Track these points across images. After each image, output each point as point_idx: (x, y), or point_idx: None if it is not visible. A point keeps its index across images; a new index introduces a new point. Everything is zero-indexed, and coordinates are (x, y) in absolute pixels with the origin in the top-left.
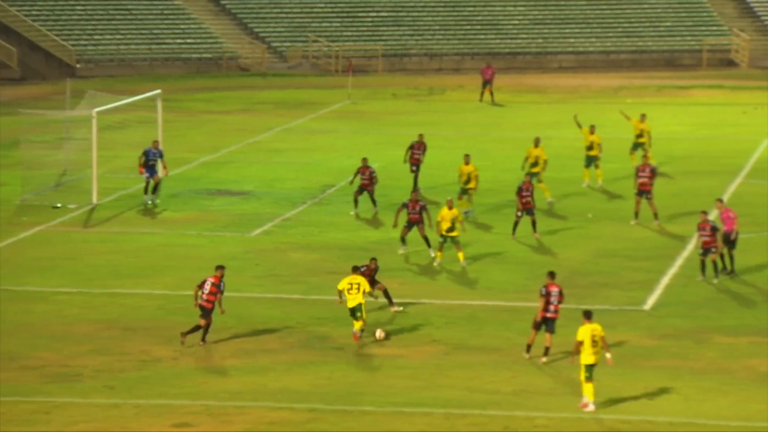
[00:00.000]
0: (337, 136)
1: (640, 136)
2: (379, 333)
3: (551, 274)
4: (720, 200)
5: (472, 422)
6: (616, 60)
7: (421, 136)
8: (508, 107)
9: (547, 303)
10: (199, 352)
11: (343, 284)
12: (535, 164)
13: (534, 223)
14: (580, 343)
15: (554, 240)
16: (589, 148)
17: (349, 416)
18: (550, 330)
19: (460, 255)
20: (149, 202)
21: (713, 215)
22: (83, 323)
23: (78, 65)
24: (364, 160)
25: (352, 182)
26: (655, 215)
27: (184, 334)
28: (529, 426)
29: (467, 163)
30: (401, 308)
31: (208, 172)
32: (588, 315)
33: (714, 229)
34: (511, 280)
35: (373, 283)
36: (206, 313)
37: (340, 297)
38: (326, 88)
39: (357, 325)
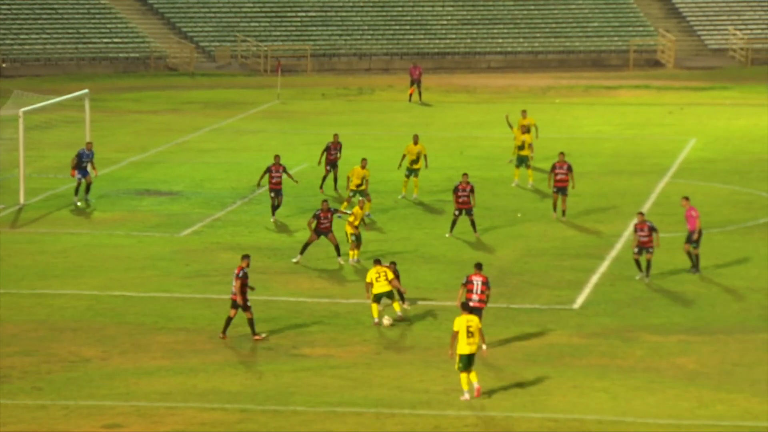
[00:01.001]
0: (266, 136)
1: (521, 147)
2: (387, 320)
3: (478, 265)
4: (686, 198)
5: (401, 421)
6: (544, 60)
7: (336, 136)
8: (438, 107)
9: (469, 292)
10: (128, 352)
11: (371, 275)
12: (415, 161)
13: (473, 223)
14: (456, 333)
15: (484, 239)
16: (521, 147)
17: (281, 416)
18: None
19: (355, 253)
20: (79, 203)
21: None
22: (10, 324)
23: (3, 65)
24: (276, 157)
25: (259, 184)
26: (564, 212)
27: (223, 332)
28: (460, 425)
29: (416, 143)
30: (408, 307)
31: (136, 172)
32: (465, 307)
33: (651, 229)
34: (441, 279)
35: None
36: (234, 305)
37: (368, 290)
38: (255, 88)
39: (396, 306)
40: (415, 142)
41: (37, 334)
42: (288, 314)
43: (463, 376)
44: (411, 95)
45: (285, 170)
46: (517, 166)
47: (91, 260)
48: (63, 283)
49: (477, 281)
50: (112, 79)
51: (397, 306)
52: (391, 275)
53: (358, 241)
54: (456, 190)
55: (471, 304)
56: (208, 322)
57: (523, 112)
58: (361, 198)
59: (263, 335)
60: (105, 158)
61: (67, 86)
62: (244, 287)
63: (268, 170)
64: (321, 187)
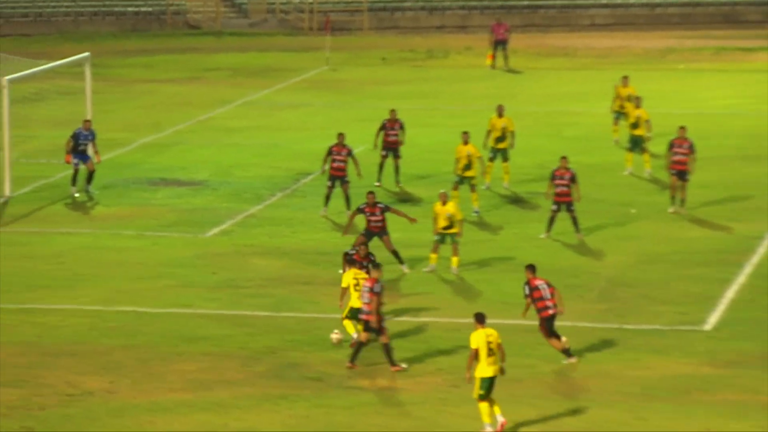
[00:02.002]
0: (310, 111)
1: (635, 125)
2: (336, 334)
3: (531, 268)
4: None
5: None
6: (663, 14)
7: (393, 112)
8: (527, 74)
9: (540, 300)
10: (140, 382)
11: (347, 279)
12: (501, 138)
13: (575, 221)
14: (475, 352)
15: (588, 241)
16: (634, 125)
17: None
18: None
19: (454, 260)
20: (77, 195)
21: None
22: None
23: None
24: (340, 136)
25: (324, 170)
26: (683, 202)
27: (351, 360)
28: None
29: (465, 143)
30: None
31: (148, 156)
32: (480, 318)
33: None
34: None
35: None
36: (368, 327)
37: (341, 299)
38: (297, 51)
39: (357, 328)
40: (500, 114)
41: (26, 360)
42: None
43: (484, 405)
44: (493, 60)
45: (351, 153)
46: (630, 150)
47: (93, 267)
48: (57, 295)
49: (542, 285)
50: (118, 39)
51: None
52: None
53: (453, 244)
54: (553, 177)
55: (551, 312)
56: (240, 345)
57: (624, 78)
58: (442, 191)
59: (403, 366)
60: (109, 139)
61: (62, 48)
62: (380, 305)
63: (330, 152)
64: (378, 179)
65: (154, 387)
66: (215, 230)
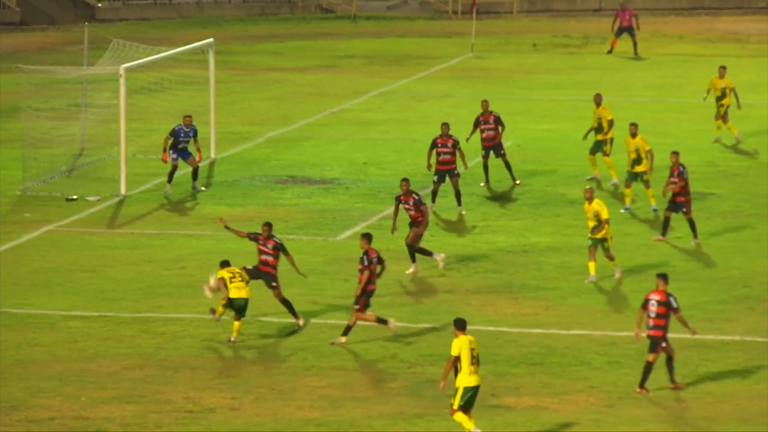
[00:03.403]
0: (454, 102)
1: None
2: (212, 282)
3: (662, 277)
4: None
5: None
6: None
7: (485, 103)
8: (693, 63)
9: (648, 317)
10: (266, 399)
11: (223, 273)
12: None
13: (692, 224)
14: (455, 359)
15: (759, 248)
16: None
17: None
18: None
19: (613, 264)
20: (171, 193)
21: None
22: (106, 359)
23: (99, 4)
24: (444, 126)
25: (429, 166)
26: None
27: (641, 385)
28: None
29: (633, 135)
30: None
31: (276, 151)
32: (460, 324)
33: None
34: (697, 303)
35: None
36: (655, 343)
37: (222, 290)
38: (440, 36)
39: (236, 326)
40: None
41: (143, 374)
42: (484, 349)
43: (462, 417)
44: (613, 47)
45: (456, 145)
46: None
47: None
48: (178, 303)
49: (652, 300)
50: (244, 24)
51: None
52: (247, 277)
53: (604, 251)
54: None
55: (649, 332)
56: (376, 359)
57: (722, 69)
58: (588, 187)
59: (681, 386)
60: (234, 133)
61: (184, 34)
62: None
63: (434, 144)
64: (486, 180)
65: (280, 404)
66: (348, 233)
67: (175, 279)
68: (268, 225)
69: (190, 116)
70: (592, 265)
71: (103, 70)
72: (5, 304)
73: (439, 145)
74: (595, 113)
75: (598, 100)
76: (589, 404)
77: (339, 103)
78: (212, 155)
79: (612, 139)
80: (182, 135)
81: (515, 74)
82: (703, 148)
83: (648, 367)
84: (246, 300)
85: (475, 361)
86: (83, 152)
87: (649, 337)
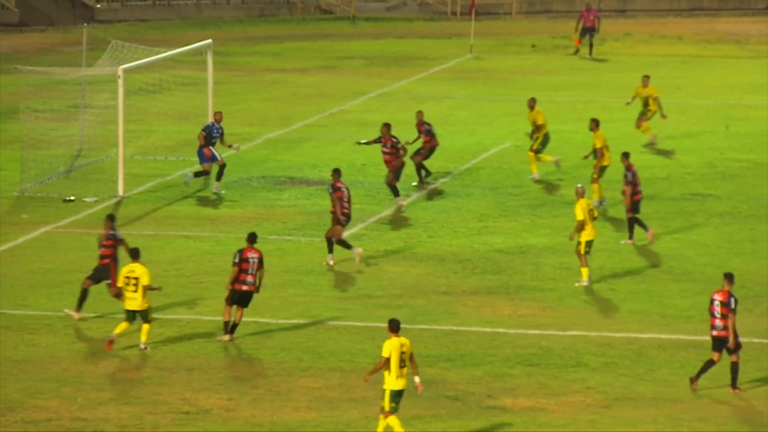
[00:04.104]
0: (453, 103)
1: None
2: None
3: (728, 276)
4: None
5: None
6: None
7: (420, 114)
8: (693, 64)
9: (712, 317)
10: (262, 400)
11: (120, 279)
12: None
13: (633, 223)
14: (386, 360)
15: (753, 248)
16: None
17: None
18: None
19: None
20: (216, 190)
21: None
22: (103, 361)
23: (98, 5)
24: (385, 127)
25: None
26: None
27: (694, 379)
28: None
29: (593, 129)
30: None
31: (275, 152)
32: (394, 326)
33: None
34: (697, 304)
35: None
36: (720, 345)
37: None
38: (439, 37)
39: (121, 327)
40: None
41: (140, 375)
42: (481, 351)
43: (395, 421)
44: (579, 46)
45: (396, 145)
46: None
47: (214, 274)
48: (174, 304)
49: (716, 301)
50: (243, 25)
51: (145, 330)
52: (147, 280)
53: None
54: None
55: (713, 333)
56: (372, 361)
57: (645, 78)
58: (579, 185)
59: (742, 389)
60: (233, 134)
61: (183, 35)
62: (735, 321)
63: (378, 141)
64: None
65: (277, 405)
66: (345, 234)
67: (173, 280)
68: (110, 217)
69: (220, 112)
70: (584, 270)
71: (102, 71)
72: (3, 305)
73: (382, 144)
74: (529, 116)
75: (531, 104)
76: (586, 405)
77: (338, 104)
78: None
79: (545, 137)
80: (215, 131)
81: (514, 75)
82: (702, 150)
83: (707, 365)
84: (145, 311)
85: (404, 364)
86: (81, 153)
87: (713, 338)
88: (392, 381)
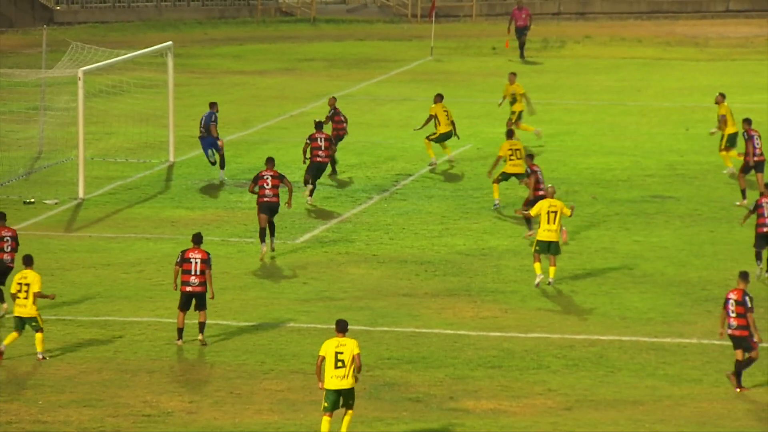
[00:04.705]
0: (414, 105)
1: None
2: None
3: (742, 275)
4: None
5: None
6: None
7: (332, 99)
8: (654, 66)
9: (728, 315)
10: (224, 402)
11: (14, 286)
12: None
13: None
14: (322, 360)
15: (715, 251)
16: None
17: None
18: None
19: (551, 270)
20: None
21: None
22: (64, 363)
23: (58, 7)
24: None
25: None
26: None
27: (733, 376)
28: None
29: (509, 136)
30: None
31: (235, 155)
32: (339, 326)
33: None
34: (657, 306)
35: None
36: (739, 343)
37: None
38: (399, 40)
39: (11, 337)
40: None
41: (101, 377)
42: (443, 353)
43: (325, 420)
44: (522, 49)
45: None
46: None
47: (173, 276)
48: (136, 307)
49: (731, 300)
50: (203, 27)
51: (11, 337)
52: (38, 287)
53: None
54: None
55: (729, 332)
56: None
57: (511, 75)
58: (550, 185)
59: (746, 388)
60: (193, 136)
61: (143, 37)
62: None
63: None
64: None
65: (239, 408)
66: (307, 236)
67: (134, 282)
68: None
69: (215, 103)
70: (537, 266)
71: (62, 73)
72: None
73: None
74: (432, 110)
75: (437, 99)
76: (548, 407)
77: (299, 106)
78: (171, 158)
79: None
80: (213, 119)
81: (475, 77)
82: (662, 152)
83: (738, 365)
84: (34, 318)
85: (341, 365)
86: (41, 155)
87: (731, 336)
88: (326, 380)
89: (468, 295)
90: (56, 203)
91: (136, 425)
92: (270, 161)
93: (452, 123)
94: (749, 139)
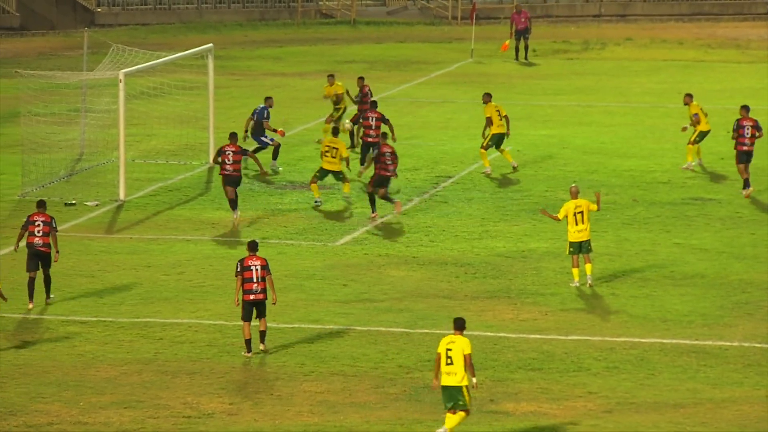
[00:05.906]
0: (454, 108)
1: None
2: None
3: None
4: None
5: None
6: None
7: (360, 80)
8: (695, 69)
9: None
10: (264, 404)
11: None
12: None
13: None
14: (438, 357)
15: (756, 254)
16: None
17: None
18: None
19: (587, 267)
20: (279, 168)
21: None
22: (104, 365)
23: (99, 9)
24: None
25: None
26: (747, 182)
27: None
28: None
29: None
30: None
31: (278, 156)
32: (456, 324)
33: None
34: (698, 309)
35: None
36: None
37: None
38: (439, 42)
39: None
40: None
41: (141, 379)
42: (483, 355)
43: (447, 417)
44: (513, 49)
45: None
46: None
47: (215, 278)
48: (176, 308)
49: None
50: (244, 29)
51: None
52: None
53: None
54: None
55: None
56: (374, 365)
57: (330, 77)
58: (573, 184)
59: None
60: None
61: (183, 39)
62: None
63: (220, 152)
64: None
65: (279, 410)
66: (347, 238)
67: (174, 284)
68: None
69: (271, 97)
70: (575, 271)
71: (103, 75)
72: (3, 309)
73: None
74: (486, 111)
75: (486, 99)
76: (588, 410)
77: None
78: (211, 160)
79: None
80: (265, 116)
81: (515, 79)
82: (703, 154)
83: None
84: None
85: (450, 362)
86: (82, 157)
87: None
88: (442, 377)
89: (508, 298)
90: (97, 205)
91: (177, 426)
92: (233, 136)
93: (506, 118)
94: (739, 127)
